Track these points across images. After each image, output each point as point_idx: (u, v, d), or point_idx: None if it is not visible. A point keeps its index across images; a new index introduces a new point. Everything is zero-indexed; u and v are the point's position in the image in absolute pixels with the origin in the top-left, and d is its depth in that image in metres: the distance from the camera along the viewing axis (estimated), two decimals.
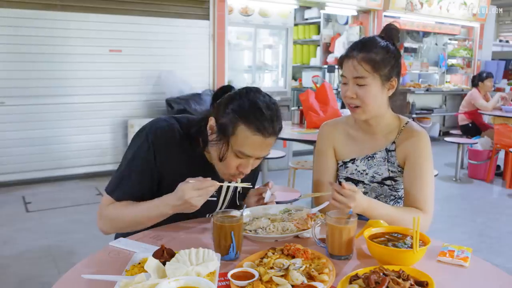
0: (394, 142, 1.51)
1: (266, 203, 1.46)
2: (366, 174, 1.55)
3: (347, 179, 1.59)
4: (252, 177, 1.61)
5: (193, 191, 1.23)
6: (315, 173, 1.65)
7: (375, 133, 1.54)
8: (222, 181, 1.39)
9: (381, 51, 1.43)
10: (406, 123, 1.54)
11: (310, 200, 3.72)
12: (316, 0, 6.77)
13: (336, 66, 1.52)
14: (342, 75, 1.47)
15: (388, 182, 1.54)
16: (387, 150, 1.52)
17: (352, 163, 1.57)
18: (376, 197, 1.55)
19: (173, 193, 1.28)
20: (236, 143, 1.30)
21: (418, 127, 1.53)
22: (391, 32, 1.51)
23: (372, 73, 1.41)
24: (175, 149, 1.40)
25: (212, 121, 1.34)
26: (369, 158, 1.54)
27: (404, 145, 1.49)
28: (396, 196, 1.57)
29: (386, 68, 1.43)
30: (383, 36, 1.51)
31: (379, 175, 1.53)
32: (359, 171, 1.56)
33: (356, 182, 1.56)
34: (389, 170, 1.52)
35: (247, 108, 1.28)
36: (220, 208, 1.53)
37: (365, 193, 1.55)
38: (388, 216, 1.35)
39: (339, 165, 1.61)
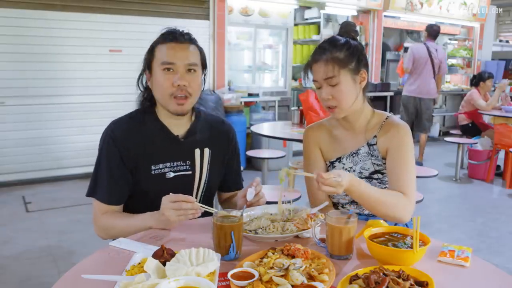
0: (375, 136, 1.54)
1: (252, 204, 1.44)
2: (354, 171, 1.57)
3: None
4: (227, 151, 1.68)
5: (172, 211, 1.29)
6: (307, 178, 1.64)
7: (355, 130, 1.57)
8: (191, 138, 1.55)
9: (343, 47, 1.46)
10: (387, 118, 1.56)
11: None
12: (316, 0, 6.77)
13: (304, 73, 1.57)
14: (313, 80, 1.51)
15: (375, 176, 1.56)
16: (369, 145, 1.55)
17: (339, 162, 1.59)
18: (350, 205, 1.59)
19: (156, 212, 1.36)
20: (157, 59, 1.47)
21: (399, 120, 1.56)
22: (348, 28, 1.55)
23: (340, 70, 1.44)
24: (133, 131, 1.52)
25: (146, 72, 1.53)
26: (354, 155, 1.56)
27: (385, 138, 1.52)
28: (386, 188, 1.58)
29: (352, 62, 1.46)
30: (342, 33, 1.56)
31: (366, 170, 1.55)
32: (346, 169, 1.58)
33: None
34: (373, 163, 1.54)
35: (158, 36, 1.51)
36: (198, 184, 1.58)
37: None
38: (370, 195, 1.36)
39: (327, 165, 1.64)
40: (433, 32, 5.79)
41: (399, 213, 1.38)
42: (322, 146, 1.63)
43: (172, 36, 1.48)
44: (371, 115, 1.58)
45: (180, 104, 1.47)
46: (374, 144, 1.54)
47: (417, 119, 5.94)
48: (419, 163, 5.84)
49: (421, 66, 5.72)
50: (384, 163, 1.53)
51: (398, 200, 1.40)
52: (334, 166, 1.60)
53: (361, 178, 1.55)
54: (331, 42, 1.49)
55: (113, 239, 1.40)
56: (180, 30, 1.51)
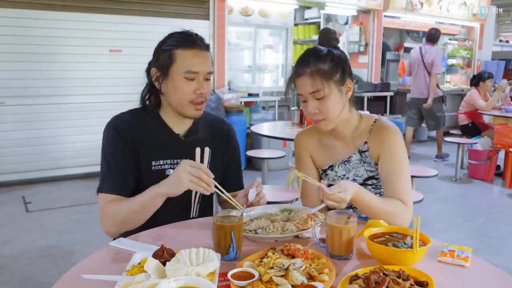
0: (366, 142, 1.52)
1: (252, 204, 1.45)
2: (347, 178, 1.55)
3: (330, 186, 1.59)
4: (229, 154, 1.69)
5: (188, 175, 1.29)
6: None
7: (345, 138, 1.55)
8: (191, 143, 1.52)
9: (326, 58, 1.43)
10: (375, 121, 1.54)
11: None
12: (316, 0, 6.77)
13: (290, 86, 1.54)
14: (298, 94, 1.48)
15: (369, 182, 1.55)
16: (360, 152, 1.53)
17: (331, 170, 1.58)
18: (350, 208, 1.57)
19: (163, 181, 1.37)
20: (179, 67, 1.45)
21: (387, 122, 1.53)
22: (328, 36, 1.51)
23: (325, 83, 1.41)
24: (135, 125, 1.53)
25: (153, 71, 1.51)
26: (345, 163, 1.55)
27: (376, 143, 1.50)
28: (381, 193, 1.58)
29: (337, 73, 1.43)
30: (323, 42, 1.53)
31: (359, 177, 1.54)
32: (339, 177, 1.57)
33: None
34: (366, 170, 1.53)
35: (174, 37, 1.48)
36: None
37: None
38: (373, 206, 1.36)
39: (319, 173, 1.63)
40: (430, 35, 6.09)
41: (399, 222, 1.38)
42: (313, 154, 1.62)
43: (192, 42, 1.47)
44: (359, 121, 1.55)
45: (198, 109, 1.50)
46: (366, 151, 1.52)
47: (424, 118, 6.24)
48: (438, 156, 6.33)
49: (415, 68, 6.13)
50: (377, 169, 1.52)
51: (398, 209, 1.40)
52: (327, 174, 1.59)
53: None
54: (314, 54, 1.45)
55: (121, 233, 1.40)
56: (196, 34, 1.51)
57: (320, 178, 1.63)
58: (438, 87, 6.14)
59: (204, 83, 1.49)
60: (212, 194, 1.69)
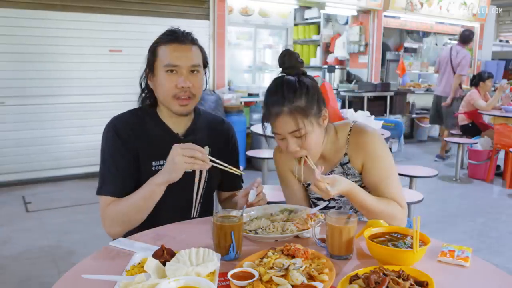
0: (346, 154, 1.48)
1: (252, 204, 1.44)
2: None
3: (318, 199, 1.57)
4: (228, 154, 1.67)
5: (182, 157, 1.30)
6: (286, 199, 1.63)
7: (324, 156, 1.50)
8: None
9: (302, 93, 1.34)
10: (350, 130, 1.48)
11: None
12: (316, 0, 6.77)
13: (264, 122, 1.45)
14: (275, 133, 1.40)
15: None
16: (342, 164, 1.48)
17: None
18: (350, 209, 1.53)
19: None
20: (161, 61, 1.47)
21: (364, 127, 1.47)
22: (293, 62, 1.42)
23: (305, 119, 1.34)
24: (135, 125, 1.53)
25: (146, 70, 1.54)
26: None
27: (356, 152, 1.45)
28: None
29: (314, 106, 1.36)
30: (288, 70, 1.43)
31: None
32: None
33: (328, 200, 1.53)
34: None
35: (161, 35, 1.51)
36: (199, 182, 1.58)
37: (339, 207, 1.55)
38: (368, 205, 1.35)
39: (305, 186, 1.60)
40: (463, 36, 6.24)
41: (396, 223, 1.37)
42: (293, 169, 1.56)
43: (174, 37, 1.48)
44: (334, 135, 1.49)
45: (183, 105, 1.49)
46: (347, 163, 1.47)
47: (444, 117, 6.32)
48: (439, 156, 6.36)
49: (443, 67, 6.28)
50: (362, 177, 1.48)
51: (394, 209, 1.39)
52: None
53: (343, 196, 1.48)
54: (287, 89, 1.35)
55: (124, 234, 1.40)
56: (182, 31, 1.51)
57: (306, 191, 1.61)
58: (461, 88, 6.21)
59: (190, 77, 1.47)
60: (212, 192, 1.69)
